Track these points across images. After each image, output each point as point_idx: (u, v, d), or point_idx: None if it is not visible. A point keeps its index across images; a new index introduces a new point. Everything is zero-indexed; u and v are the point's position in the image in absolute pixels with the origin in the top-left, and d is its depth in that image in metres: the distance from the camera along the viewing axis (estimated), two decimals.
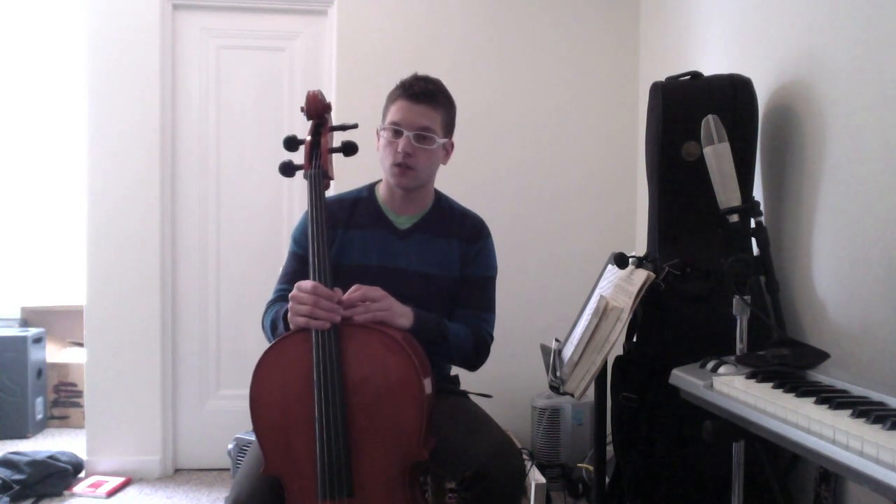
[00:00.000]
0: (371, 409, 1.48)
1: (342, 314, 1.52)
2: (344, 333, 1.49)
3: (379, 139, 1.82)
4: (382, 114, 1.83)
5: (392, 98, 1.80)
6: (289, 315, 1.53)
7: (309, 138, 1.67)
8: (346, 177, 2.22)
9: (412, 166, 1.75)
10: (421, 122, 1.75)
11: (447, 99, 1.83)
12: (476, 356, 1.81)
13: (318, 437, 1.44)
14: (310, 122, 1.70)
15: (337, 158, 1.73)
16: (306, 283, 1.52)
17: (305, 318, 1.48)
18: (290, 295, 1.52)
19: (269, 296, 1.80)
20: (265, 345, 1.67)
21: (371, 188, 1.90)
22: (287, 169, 1.68)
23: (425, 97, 1.76)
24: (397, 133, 1.75)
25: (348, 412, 1.46)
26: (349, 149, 1.67)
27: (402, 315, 1.62)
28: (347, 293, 1.55)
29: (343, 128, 1.71)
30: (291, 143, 1.69)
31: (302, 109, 1.70)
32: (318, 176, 1.63)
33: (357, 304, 1.55)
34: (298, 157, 1.71)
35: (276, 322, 1.65)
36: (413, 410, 1.47)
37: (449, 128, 1.85)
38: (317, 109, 1.68)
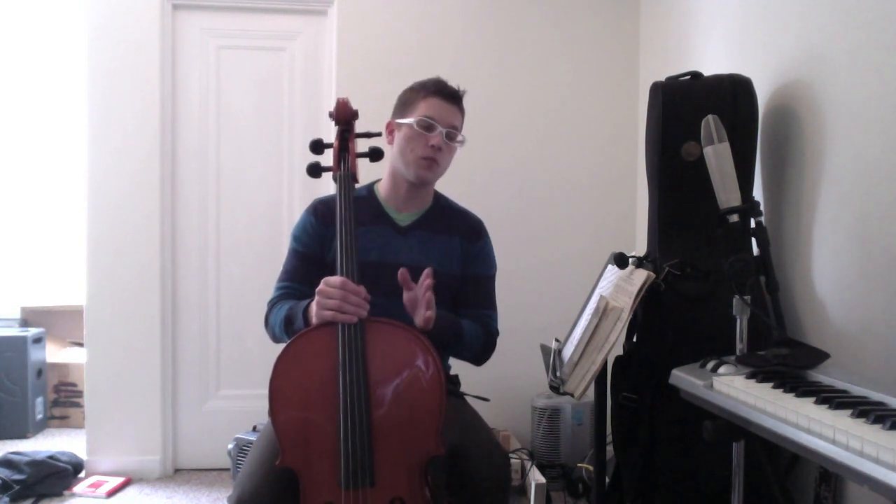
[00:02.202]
0: (393, 403, 1.52)
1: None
2: (369, 329, 1.53)
3: (393, 133, 1.85)
4: (401, 108, 1.85)
5: (422, 94, 1.83)
6: (315, 309, 1.55)
7: (337, 143, 1.75)
8: None
9: (439, 161, 1.82)
10: (453, 121, 1.83)
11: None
12: (485, 352, 1.86)
13: (341, 428, 1.47)
14: (336, 127, 1.77)
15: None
16: (335, 279, 1.54)
17: (333, 312, 1.51)
18: (317, 290, 1.55)
19: (270, 295, 1.80)
20: (266, 345, 1.67)
21: (370, 187, 1.91)
22: (315, 170, 1.75)
23: (456, 99, 1.86)
24: (430, 127, 1.79)
25: (371, 405, 1.49)
26: (375, 154, 1.75)
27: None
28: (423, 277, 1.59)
29: (368, 135, 1.79)
30: (317, 147, 1.77)
31: (330, 115, 1.77)
32: (348, 178, 1.71)
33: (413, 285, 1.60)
34: (316, 158, 1.77)
35: (291, 318, 1.66)
36: (433, 405, 1.52)
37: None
38: (346, 116, 1.76)
